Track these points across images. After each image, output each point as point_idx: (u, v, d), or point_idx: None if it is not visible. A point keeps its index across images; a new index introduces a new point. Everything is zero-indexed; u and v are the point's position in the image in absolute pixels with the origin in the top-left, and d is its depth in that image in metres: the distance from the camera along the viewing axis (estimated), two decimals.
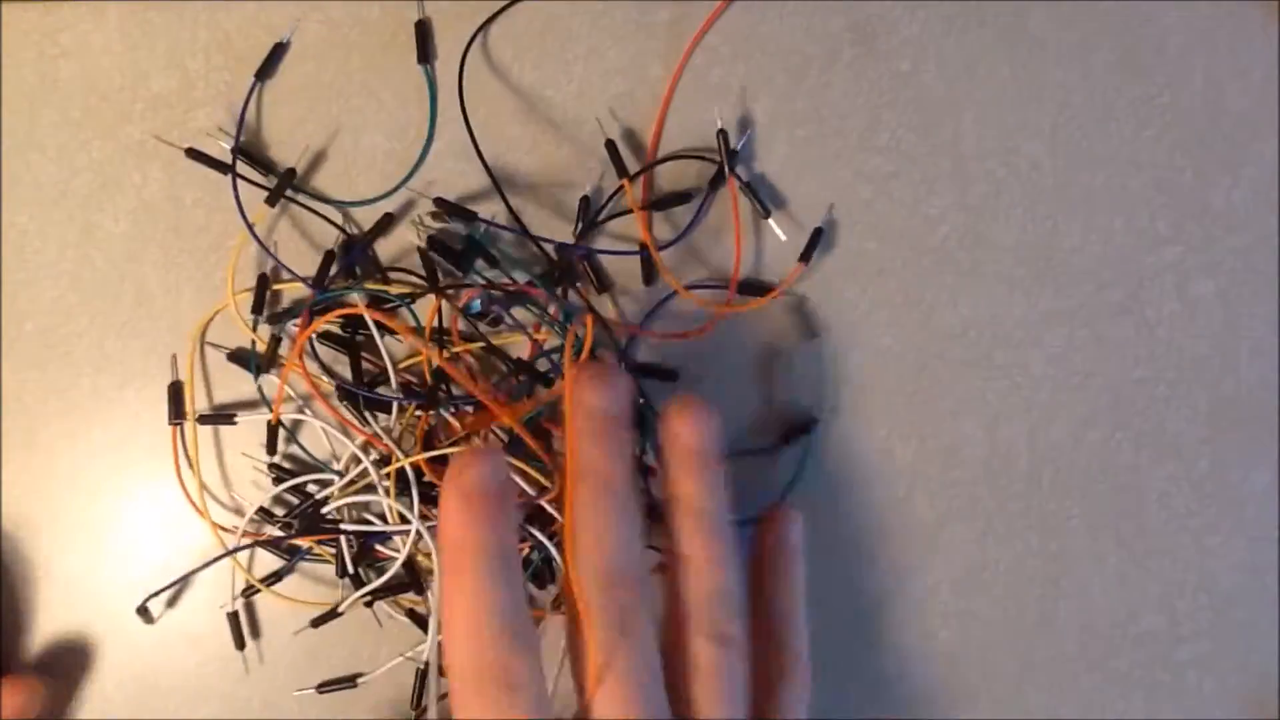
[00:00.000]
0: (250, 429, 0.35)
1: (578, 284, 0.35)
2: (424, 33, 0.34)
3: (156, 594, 0.35)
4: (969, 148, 0.36)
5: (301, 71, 0.35)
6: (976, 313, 0.36)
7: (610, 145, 0.34)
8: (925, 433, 0.37)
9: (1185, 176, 0.37)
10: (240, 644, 0.36)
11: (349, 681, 0.36)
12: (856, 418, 0.36)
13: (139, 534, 0.36)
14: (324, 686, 0.36)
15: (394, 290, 0.34)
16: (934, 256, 0.36)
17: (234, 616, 0.36)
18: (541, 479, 0.33)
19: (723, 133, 0.34)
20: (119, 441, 0.36)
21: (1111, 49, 0.36)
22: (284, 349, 0.35)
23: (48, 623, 0.36)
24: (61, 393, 0.36)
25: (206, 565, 0.35)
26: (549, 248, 0.34)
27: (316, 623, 0.35)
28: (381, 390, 0.34)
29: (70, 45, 0.34)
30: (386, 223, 0.35)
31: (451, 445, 0.33)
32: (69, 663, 0.36)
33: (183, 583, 0.36)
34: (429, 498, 0.33)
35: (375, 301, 0.34)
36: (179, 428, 0.35)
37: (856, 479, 0.37)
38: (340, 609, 0.35)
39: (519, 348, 0.35)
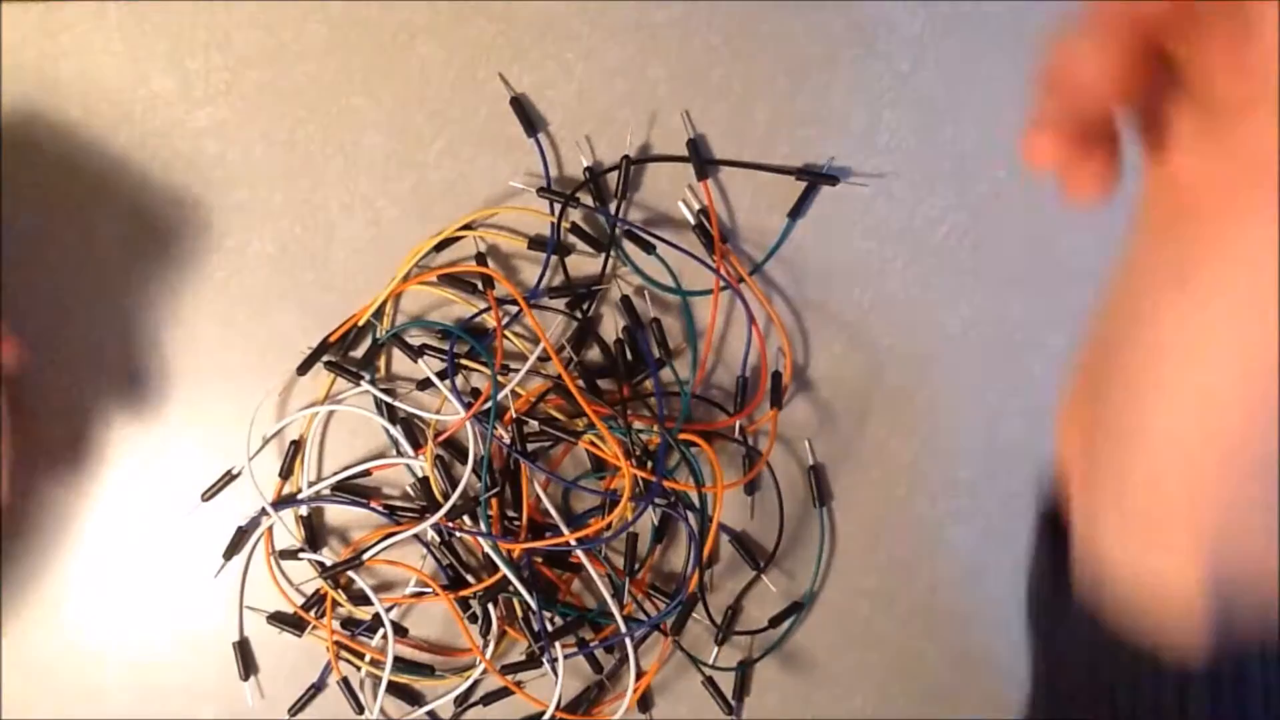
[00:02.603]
0: None
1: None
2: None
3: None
4: (969, 148, 0.36)
5: (302, 71, 0.35)
6: (976, 313, 0.36)
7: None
8: (925, 433, 0.37)
9: None
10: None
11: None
12: (857, 418, 0.36)
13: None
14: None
15: None
16: (934, 256, 0.36)
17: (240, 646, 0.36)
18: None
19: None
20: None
21: None
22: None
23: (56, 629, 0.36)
24: (61, 394, 0.36)
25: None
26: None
27: None
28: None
29: (70, 45, 0.34)
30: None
31: None
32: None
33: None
34: None
35: None
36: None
37: (857, 479, 0.37)
38: None
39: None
